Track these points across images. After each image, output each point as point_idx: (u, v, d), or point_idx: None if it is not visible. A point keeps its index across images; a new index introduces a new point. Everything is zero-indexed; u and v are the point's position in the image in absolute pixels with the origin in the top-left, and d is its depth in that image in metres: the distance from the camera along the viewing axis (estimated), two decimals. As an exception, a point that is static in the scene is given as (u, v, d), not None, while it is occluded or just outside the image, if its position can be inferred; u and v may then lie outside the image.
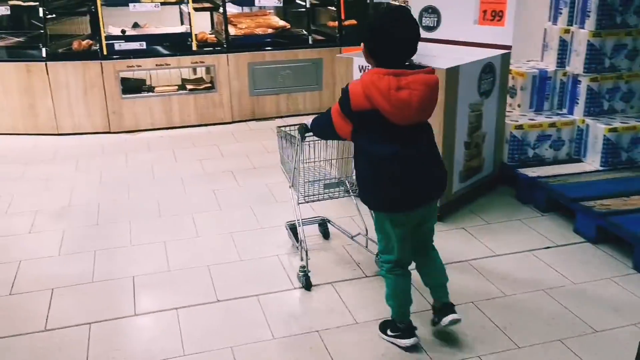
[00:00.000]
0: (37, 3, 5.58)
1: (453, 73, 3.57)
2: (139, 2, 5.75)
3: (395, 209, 2.47)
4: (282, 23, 6.52)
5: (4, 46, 5.92)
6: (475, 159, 3.96)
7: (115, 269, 3.34)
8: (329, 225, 3.64)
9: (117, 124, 5.85)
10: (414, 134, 2.40)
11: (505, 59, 4.01)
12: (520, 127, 4.17)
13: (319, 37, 6.46)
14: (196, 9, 6.06)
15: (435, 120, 3.55)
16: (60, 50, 5.79)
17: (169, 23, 6.81)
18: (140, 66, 5.81)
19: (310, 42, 6.26)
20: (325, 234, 3.63)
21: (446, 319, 2.60)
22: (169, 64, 5.89)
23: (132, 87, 5.96)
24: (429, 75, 2.36)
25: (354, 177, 2.93)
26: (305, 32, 6.33)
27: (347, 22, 6.39)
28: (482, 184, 4.10)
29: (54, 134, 5.79)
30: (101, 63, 5.69)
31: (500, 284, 3.11)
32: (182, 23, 6.89)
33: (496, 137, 4.12)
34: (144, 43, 5.78)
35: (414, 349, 2.60)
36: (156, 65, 5.86)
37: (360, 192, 2.57)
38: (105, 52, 5.68)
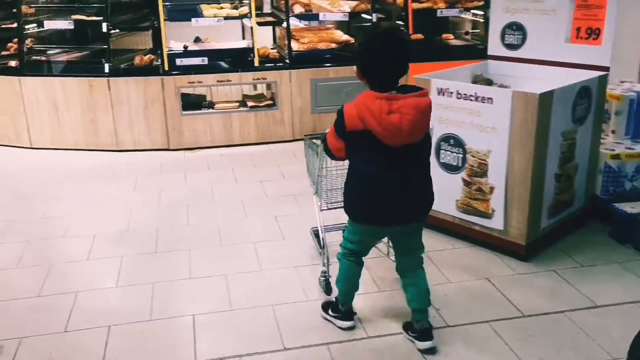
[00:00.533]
0: (101, 18, 5.50)
1: (546, 98, 3.21)
2: (202, 16, 5.60)
3: (369, 224, 2.65)
4: (345, 37, 6.26)
5: (67, 61, 5.88)
6: (565, 192, 3.57)
7: (174, 306, 3.13)
8: None
9: (176, 140, 5.71)
10: (406, 154, 2.49)
11: (603, 81, 3.62)
12: (616, 156, 3.76)
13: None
14: (259, 24, 5.88)
15: (525, 152, 3.22)
16: (122, 66, 5.69)
17: (230, 37, 6.65)
18: (202, 82, 5.66)
19: (376, 57, 5.96)
20: None
21: (422, 345, 2.70)
22: (230, 80, 5.71)
23: (192, 103, 5.82)
24: (420, 99, 2.43)
25: None
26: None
27: (414, 37, 6.08)
28: (571, 219, 3.70)
29: (113, 150, 5.69)
30: (162, 79, 5.56)
31: (608, 345, 2.72)
32: (243, 37, 6.72)
33: (589, 167, 3.71)
34: (206, 59, 5.62)
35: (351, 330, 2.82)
36: (217, 81, 5.69)
37: (344, 201, 2.70)
38: (166, 68, 5.55)
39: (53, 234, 4.01)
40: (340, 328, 2.86)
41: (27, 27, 5.81)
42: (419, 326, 2.72)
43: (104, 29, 5.50)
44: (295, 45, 5.90)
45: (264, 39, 6.44)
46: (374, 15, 5.89)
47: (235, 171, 5.14)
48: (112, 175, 5.12)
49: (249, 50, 5.73)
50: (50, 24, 5.48)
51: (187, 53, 5.66)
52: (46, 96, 5.60)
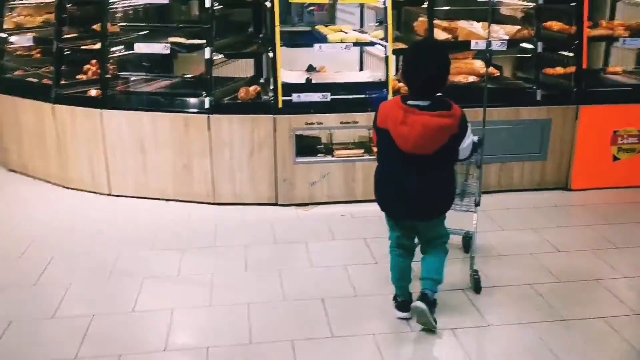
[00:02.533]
0: (204, 42, 4.45)
1: None
2: (326, 42, 4.49)
3: (383, 210, 2.99)
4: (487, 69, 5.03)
5: (157, 92, 4.85)
6: None
7: None
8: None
9: (286, 194, 4.59)
10: (419, 160, 2.73)
11: None
12: None
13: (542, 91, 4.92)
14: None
15: None
16: (225, 100, 4.63)
17: (345, 66, 5.54)
18: (322, 123, 4.53)
19: (538, 97, 4.73)
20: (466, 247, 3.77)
21: (414, 304, 2.90)
22: (357, 122, 4.57)
23: (306, 147, 4.70)
24: (432, 119, 2.65)
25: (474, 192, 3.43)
26: (528, 84, 4.81)
27: (568, 69, 4.82)
28: None
29: (209, 202, 4.62)
30: (274, 118, 4.46)
31: None
32: (361, 67, 5.59)
33: None
34: (328, 94, 4.50)
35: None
36: (341, 122, 4.55)
37: None
38: (280, 104, 4.44)
39: (137, 348, 2.92)
40: (396, 318, 3.04)
41: (112, 49, 4.82)
42: (420, 292, 2.94)
43: (207, 55, 4.44)
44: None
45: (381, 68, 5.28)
46: (539, 43, 4.65)
47: (369, 243, 3.96)
48: (213, 241, 4.02)
49: (383, 84, 4.57)
50: (142, 47, 4.44)
51: (306, 86, 4.55)
52: (132, 134, 4.58)
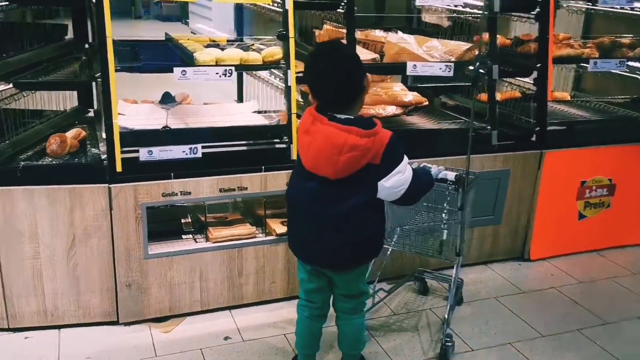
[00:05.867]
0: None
1: None
2: (192, 63, 2.79)
3: (291, 247, 2.40)
4: (411, 97, 3.67)
5: None
6: None
7: None
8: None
9: (133, 306, 2.85)
10: (326, 187, 2.15)
11: None
12: None
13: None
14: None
15: None
16: (20, 160, 2.76)
17: (216, 92, 3.85)
18: (190, 193, 2.81)
19: (494, 141, 3.41)
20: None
21: None
22: (245, 188, 2.91)
23: (162, 225, 2.98)
24: (341, 133, 2.07)
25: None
26: (482, 124, 3.48)
27: (559, 95, 3.65)
28: None
29: (2, 328, 2.76)
30: (109, 188, 2.69)
31: None
32: (239, 92, 3.88)
33: None
34: (198, 147, 2.79)
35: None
36: (220, 190, 2.88)
37: None
38: (118, 167, 2.67)
39: None
40: None
41: None
42: None
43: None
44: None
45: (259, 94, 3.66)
46: (494, 67, 3.32)
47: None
48: None
49: (280, 129, 2.97)
50: None
51: (164, 135, 2.81)
52: None
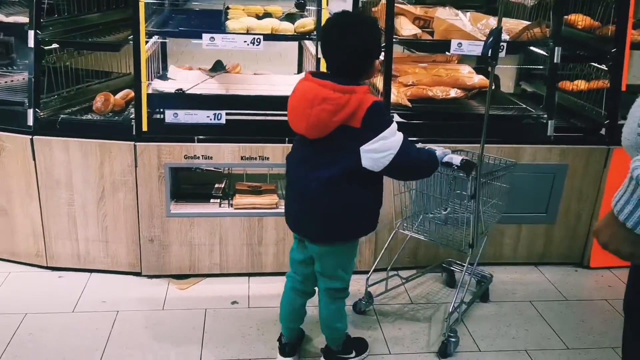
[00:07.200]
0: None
1: None
2: (222, 31, 2.85)
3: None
4: (477, 80, 3.42)
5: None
6: None
7: None
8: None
9: (155, 261, 3.00)
10: (308, 149, 2.14)
11: None
12: None
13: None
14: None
15: None
16: (65, 113, 3.00)
17: (276, 64, 3.89)
18: (211, 158, 2.90)
19: (549, 131, 3.10)
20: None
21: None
22: (267, 158, 2.94)
23: (187, 188, 3.10)
24: (316, 87, 2.03)
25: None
26: (538, 112, 3.18)
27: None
28: None
29: (39, 265, 3.05)
30: (135, 146, 2.86)
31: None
32: (300, 63, 3.89)
33: None
34: (222, 113, 2.86)
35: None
36: (242, 157, 2.92)
37: None
38: (144, 127, 2.82)
39: None
40: None
41: None
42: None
43: (31, 43, 2.81)
44: (394, 91, 3.11)
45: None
46: (556, 49, 3.00)
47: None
48: None
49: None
50: None
51: (188, 99, 2.92)
52: None
